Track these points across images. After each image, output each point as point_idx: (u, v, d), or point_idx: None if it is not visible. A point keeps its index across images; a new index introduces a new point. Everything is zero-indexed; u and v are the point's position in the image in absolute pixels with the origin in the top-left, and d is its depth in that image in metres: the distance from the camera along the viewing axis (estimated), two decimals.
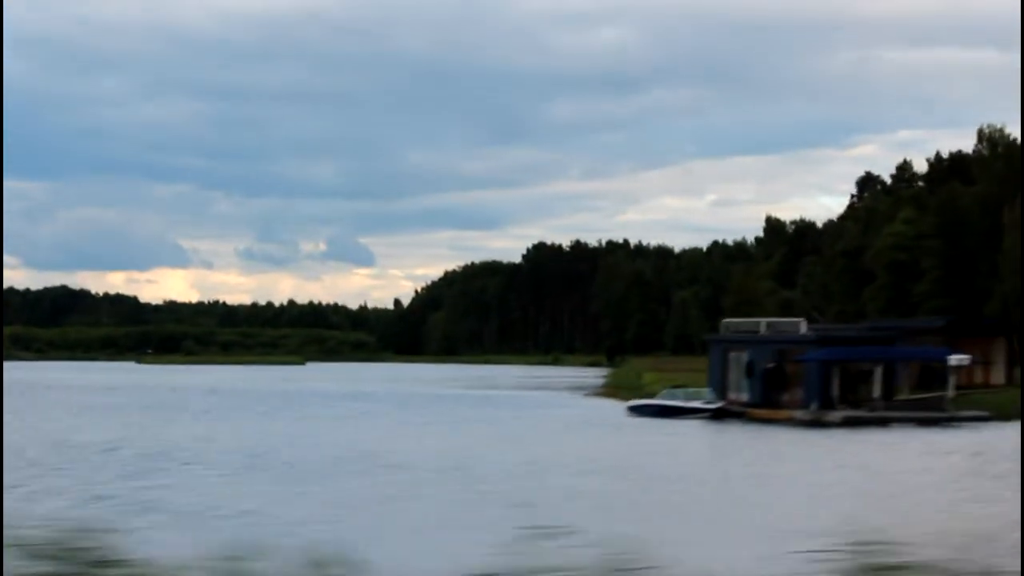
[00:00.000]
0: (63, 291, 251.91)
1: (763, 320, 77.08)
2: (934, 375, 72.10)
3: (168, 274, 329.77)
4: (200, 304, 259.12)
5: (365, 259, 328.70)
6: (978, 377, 77.08)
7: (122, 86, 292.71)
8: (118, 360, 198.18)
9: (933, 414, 66.18)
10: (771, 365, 69.71)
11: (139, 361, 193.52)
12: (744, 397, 70.84)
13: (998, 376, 77.86)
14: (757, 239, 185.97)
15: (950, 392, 67.96)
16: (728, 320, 78.63)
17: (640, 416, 68.85)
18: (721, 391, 72.03)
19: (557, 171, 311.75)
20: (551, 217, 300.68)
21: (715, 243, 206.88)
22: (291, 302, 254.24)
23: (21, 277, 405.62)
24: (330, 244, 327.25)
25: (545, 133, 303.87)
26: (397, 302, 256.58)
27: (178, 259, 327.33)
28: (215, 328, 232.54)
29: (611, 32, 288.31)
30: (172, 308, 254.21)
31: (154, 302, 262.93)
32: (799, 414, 66.62)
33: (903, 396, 70.27)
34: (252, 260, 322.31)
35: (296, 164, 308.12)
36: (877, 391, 67.52)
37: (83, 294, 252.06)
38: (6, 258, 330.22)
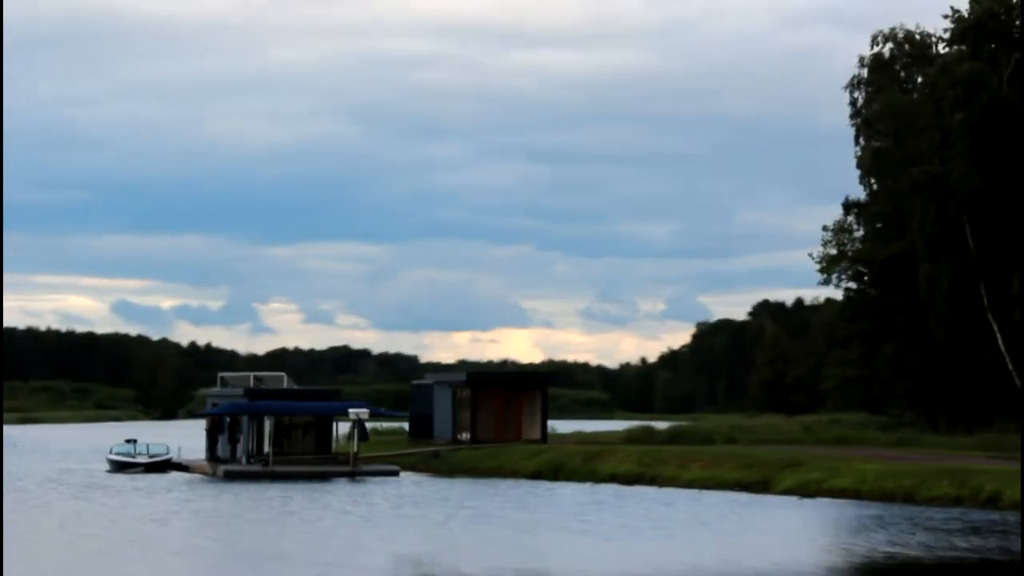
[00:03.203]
0: (344, 351, 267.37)
1: (252, 374, 79.77)
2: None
3: (511, 334, 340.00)
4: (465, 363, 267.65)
5: (703, 317, 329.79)
6: (510, 433, 77.69)
7: (458, 151, 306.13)
8: None
9: (336, 468, 68.55)
10: (227, 419, 73.17)
11: None
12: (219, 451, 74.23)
13: (534, 431, 78.06)
14: None
15: (355, 446, 69.90)
16: (224, 374, 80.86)
17: (110, 470, 71.93)
18: (210, 443, 75.35)
19: None
20: None
21: None
22: (548, 361, 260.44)
23: (372, 338, 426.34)
24: (669, 303, 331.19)
25: None
26: (643, 360, 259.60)
27: (520, 319, 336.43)
28: None
29: None
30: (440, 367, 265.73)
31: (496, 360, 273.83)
32: (210, 468, 70.38)
33: (340, 450, 72.31)
34: (592, 320, 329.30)
35: (631, 225, 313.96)
36: (266, 446, 69.96)
37: (363, 353, 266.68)
38: (357, 319, 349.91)
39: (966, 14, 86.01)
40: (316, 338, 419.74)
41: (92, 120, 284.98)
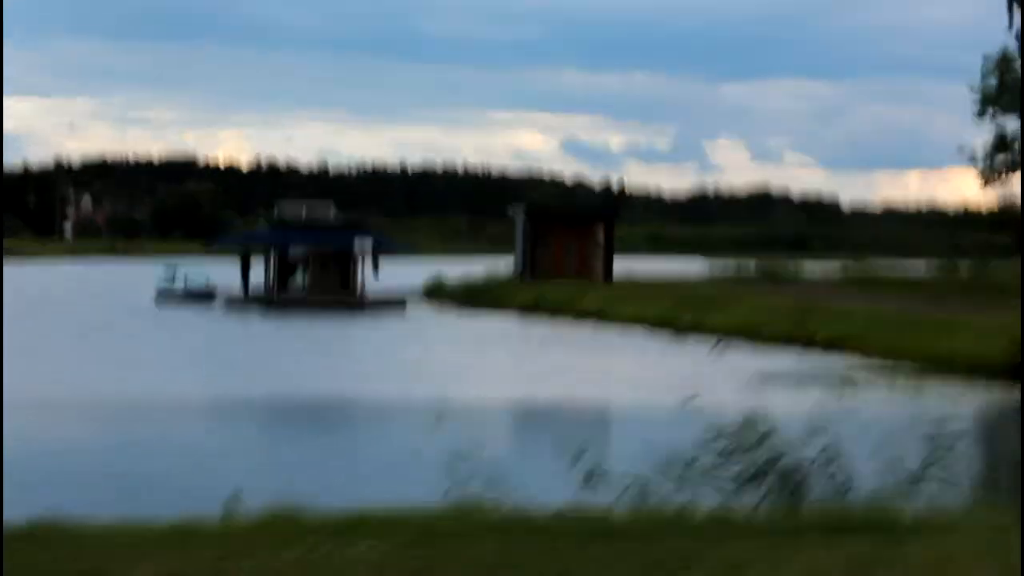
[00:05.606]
0: (761, 195, 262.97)
1: (305, 203, 77.85)
2: None
3: (962, 173, 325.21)
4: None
5: None
6: (570, 269, 75.07)
7: None
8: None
9: (342, 298, 68.59)
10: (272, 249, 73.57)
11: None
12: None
13: (597, 268, 75.31)
14: None
15: (360, 279, 69.60)
16: (282, 201, 79.08)
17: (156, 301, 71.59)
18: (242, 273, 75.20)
19: None
20: None
21: None
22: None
23: (819, 178, 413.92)
24: None
25: None
26: None
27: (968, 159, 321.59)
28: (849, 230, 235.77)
29: None
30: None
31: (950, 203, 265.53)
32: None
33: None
34: None
35: None
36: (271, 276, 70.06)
37: (780, 197, 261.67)
38: (805, 158, 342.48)
39: None
40: (761, 176, 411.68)
41: None
